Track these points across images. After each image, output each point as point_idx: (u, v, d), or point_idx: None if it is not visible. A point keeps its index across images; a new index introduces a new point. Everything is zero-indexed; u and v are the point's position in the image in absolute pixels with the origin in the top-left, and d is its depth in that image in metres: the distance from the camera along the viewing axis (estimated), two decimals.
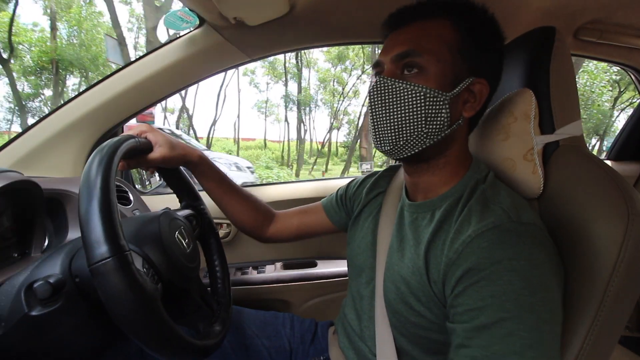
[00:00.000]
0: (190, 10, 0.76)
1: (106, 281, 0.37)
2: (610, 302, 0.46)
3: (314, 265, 1.12)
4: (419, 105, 0.48)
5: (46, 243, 0.65)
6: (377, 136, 0.52)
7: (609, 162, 1.42)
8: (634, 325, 1.26)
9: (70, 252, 0.48)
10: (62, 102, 0.89)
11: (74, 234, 0.65)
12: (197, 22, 0.81)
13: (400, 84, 0.49)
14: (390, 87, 0.49)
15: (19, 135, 0.83)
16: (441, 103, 0.48)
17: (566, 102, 0.58)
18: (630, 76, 1.31)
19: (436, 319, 0.48)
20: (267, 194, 1.16)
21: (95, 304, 0.44)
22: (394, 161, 0.58)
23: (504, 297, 0.40)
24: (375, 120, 0.52)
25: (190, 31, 0.85)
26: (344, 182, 1.22)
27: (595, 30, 0.97)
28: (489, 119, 0.61)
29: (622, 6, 0.90)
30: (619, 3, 0.89)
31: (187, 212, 0.69)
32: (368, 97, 0.52)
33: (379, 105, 0.51)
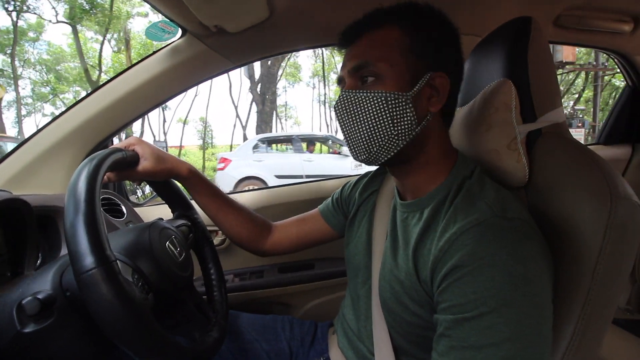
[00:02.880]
0: (171, 20, 0.76)
1: (93, 292, 0.37)
2: (599, 285, 0.47)
3: (312, 266, 1.12)
4: (383, 109, 0.49)
5: (39, 260, 0.65)
6: (351, 147, 0.53)
7: (599, 147, 1.43)
8: (634, 307, 1.27)
9: (60, 267, 0.48)
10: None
11: (67, 249, 0.65)
12: (179, 32, 0.82)
13: (361, 94, 0.50)
14: (352, 98, 0.50)
15: (8, 154, 0.83)
16: (404, 103, 0.48)
17: (546, 90, 0.58)
18: (613, 60, 1.32)
19: (430, 318, 0.48)
20: (261, 199, 1.16)
21: (88, 318, 0.44)
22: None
23: (485, 292, 0.40)
24: (345, 133, 0.53)
25: (174, 41, 0.86)
26: (337, 182, 1.23)
27: (575, 16, 0.98)
28: (471, 112, 0.62)
29: None
30: None
31: (179, 222, 0.69)
32: (334, 113, 0.54)
33: (346, 118, 0.52)
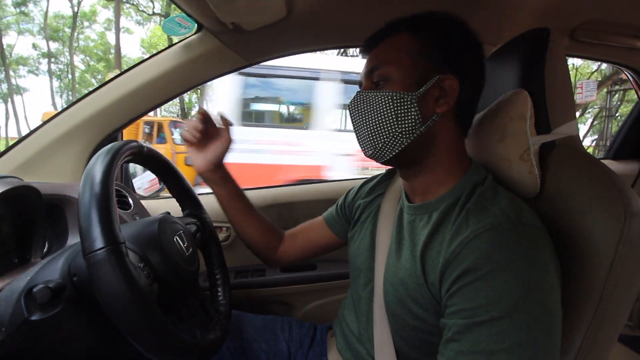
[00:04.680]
0: (188, 15, 0.77)
1: (99, 271, 0.38)
2: (608, 300, 0.47)
3: (314, 267, 1.12)
4: (388, 108, 0.51)
5: (46, 248, 0.65)
6: (361, 143, 0.56)
7: (608, 162, 1.43)
8: (636, 324, 1.26)
9: (69, 256, 0.48)
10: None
11: (74, 239, 0.65)
12: (195, 28, 0.82)
13: (371, 94, 0.53)
14: (364, 98, 0.54)
15: (19, 141, 0.84)
16: (409, 102, 0.51)
17: (561, 103, 0.58)
18: (627, 76, 1.31)
19: (435, 322, 0.48)
20: (270, 197, 1.16)
21: (94, 307, 0.44)
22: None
23: (498, 297, 0.40)
24: (356, 130, 0.56)
25: (189, 36, 0.86)
26: (346, 184, 1.23)
27: (591, 30, 0.97)
28: (486, 120, 0.62)
29: (616, 6, 0.91)
30: (613, 3, 0.89)
31: (188, 220, 0.70)
32: (349, 111, 0.58)
33: (357, 116, 0.55)
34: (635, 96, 1.39)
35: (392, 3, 0.76)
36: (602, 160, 1.46)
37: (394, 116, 0.51)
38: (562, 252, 0.49)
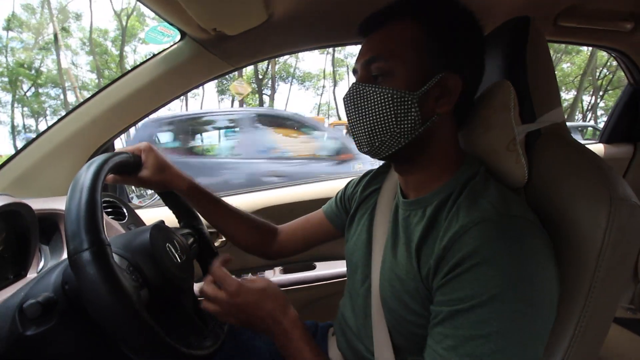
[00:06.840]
0: (170, 24, 0.77)
1: (84, 273, 0.37)
2: (599, 287, 0.47)
3: (313, 267, 1.12)
4: (387, 106, 0.49)
5: (42, 263, 0.66)
6: (355, 139, 0.54)
7: (601, 145, 1.42)
8: (637, 306, 1.26)
9: (63, 268, 0.48)
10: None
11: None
12: (179, 36, 0.83)
13: (369, 88, 0.50)
14: (361, 92, 0.51)
15: (10, 158, 0.84)
16: (409, 103, 0.48)
17: (545, 90, 0.58)
18: (615, 58, 1.31)
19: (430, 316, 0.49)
20: (267, 199, 1.16)
21: (89, 320, 0.44)
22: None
23: (483, 289, 0.40)
24: (351, 124, 0.54)
25: (173, 45, 0.87)
26: (339, 183, 1.23)
27: (576, 15, 0.97)
28: (471, 113, 0.62)
29: None
30: None
31: (184, 230, 0.70)
32: (343, 104, 0.55)
33: (353, 110, 0.53)
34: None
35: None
36: (594, 145, 1.45)
37: (393, 116, 0.49)
38: (552, 240, 0.49)
